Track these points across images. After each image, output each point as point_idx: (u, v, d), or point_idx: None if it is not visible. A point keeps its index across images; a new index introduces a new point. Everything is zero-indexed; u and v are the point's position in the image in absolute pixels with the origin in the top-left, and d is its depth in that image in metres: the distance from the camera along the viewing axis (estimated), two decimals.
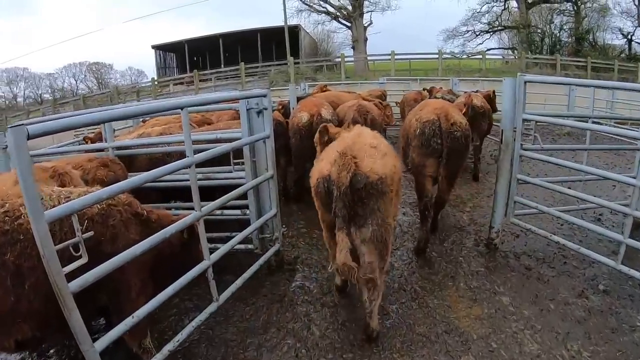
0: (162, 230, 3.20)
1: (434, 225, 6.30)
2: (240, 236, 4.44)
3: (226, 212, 5.34)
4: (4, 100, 46.54)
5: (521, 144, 5.22)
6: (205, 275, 3.77)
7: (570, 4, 36.64)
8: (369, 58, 36.19)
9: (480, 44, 40.30)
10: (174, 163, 3.48)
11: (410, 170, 5.76)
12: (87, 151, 5.83)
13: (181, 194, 5.66)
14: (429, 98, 9.12)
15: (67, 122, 2.53)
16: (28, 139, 2.20)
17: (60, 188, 3.32)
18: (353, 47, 38.94)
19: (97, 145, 6.23)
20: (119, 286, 3.17)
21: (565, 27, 37.44)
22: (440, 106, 5.56)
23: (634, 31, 35.36)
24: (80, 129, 12.18)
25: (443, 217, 6.91)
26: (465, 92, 9.69)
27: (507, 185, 5.44)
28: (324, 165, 3.72)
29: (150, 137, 5.95)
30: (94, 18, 72.86)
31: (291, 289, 5.03)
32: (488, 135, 10.48)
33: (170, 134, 5.99)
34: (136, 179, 3.21)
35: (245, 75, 32.84)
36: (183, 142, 3.63)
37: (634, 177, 4.27)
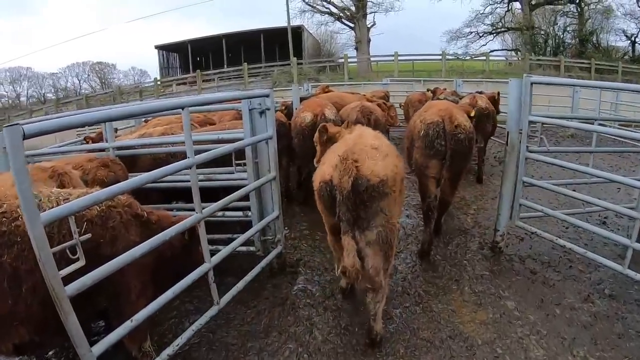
0: (162, 233, 3.15)
1: (437, 228, 6.24)
2: (241, 238, 4.39)
3: (228, 213, 5.28)
4: (7, 99, 46.56)
5: (527, 146, 5.16)
6: (206, 277, 3.71)
7: (573, 5, 36.54)
8: (372, 59, 36.19)
9: (483, 45, 40.25)
10: (174, 164, 3.44)
11: (414, 171, 5.70)
12: (88, 151, 5.79)
13: (183, 194, 5.60)
14: (433, 99, 9.05)
15: (63, 122, 2.47)
16: (24, 139, 2.15)
17: (59, 189, 3.27)
18: (356, 48, 38.89)
19: (98, 145, 6.17)
20: (118, 289, 3.12)
21: (568, 29, 37.36)
22: (445, 108, 5.51)
23: (638, 33, 35.24)
24: (82, 129, 12.21)
25: (447, 219, 6.84)
26: (470, 93, 9.60)
27: (513, 187, 5.37)
28: (325, 169, 3.69)
29: (151, 138, 5.90)
30: (97, 18, 72.79)
31: (293, 292, 4.99)
32: (492, 137, 10.40)
33: (172, 134, 5.95)
34: (136, 180, 3.16)
35: (248, 76, 32.81)
36: (184, 142, 3.58)
37: None
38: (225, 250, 4.06)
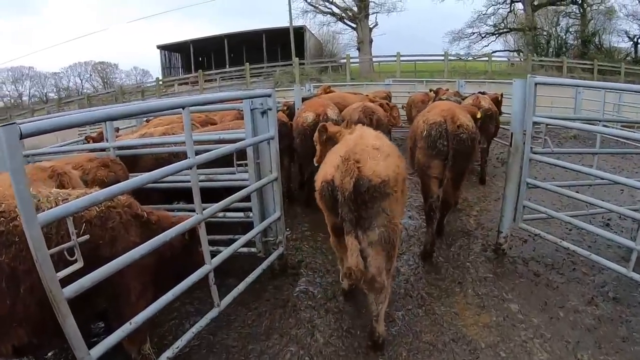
0: (162, 234, 3.11)
1: (440, 229, 6.23)
2: (243, 239, 4.37)
3: (229, 214, 5.25)
4: (9, 98, 46.60)
5: (531, 147, 5.12)
6: (206, 279, 3.68)
7: (576, 6, 36.53)
8: (374, 59, 36.15)
9: (485, 46, 40.26)
10: (174, 164, 3.39)
11: (416, 172, 5.70)
12: (90, 150, 5.76)
13: (184, 194, 5.57)
14: (435, 99, 9.01)
15: (61, 121, 2.43)
16: (21, 138, 2.12)
17: (58, 189, 3.23)
18: (358, 49, 38.92)
19: (99, 144, 6.14)
20: (118, 290, 3.09)
21: (571, 30, 37.36)
22: (447, 108, 5.49)
23: None
24: (83, 129, 12.21)
25: (450, 221, 6.81)
26: (473, 94, 9.56)
27: (516, 189, 5.33)
28: (327, 169, 3.69)
29: (152, 137, 5.86)
30: (99, 18, 72.87)
31: (295, 293, 4.95)
32: (494, 138, 10.36)
33: (173, 134, 5.92)
34: (135, 180, 3.12)
35: (250, 76, 32.81)
36: (185, 142, 3.54)
37: None
38: (226, 252, 4.02)
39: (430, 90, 10.99)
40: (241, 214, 5.26)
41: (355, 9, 38.42)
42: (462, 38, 40.67)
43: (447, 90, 10.59)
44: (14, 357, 2.89)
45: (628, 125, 12.87)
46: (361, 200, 3.41)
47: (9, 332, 2.71)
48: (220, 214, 4.86)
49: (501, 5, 39.08)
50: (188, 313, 4.62)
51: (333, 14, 39.84)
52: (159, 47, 42.77)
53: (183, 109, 3.45)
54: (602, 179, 4.87)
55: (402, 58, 30.96)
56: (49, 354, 3.97)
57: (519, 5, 38.51)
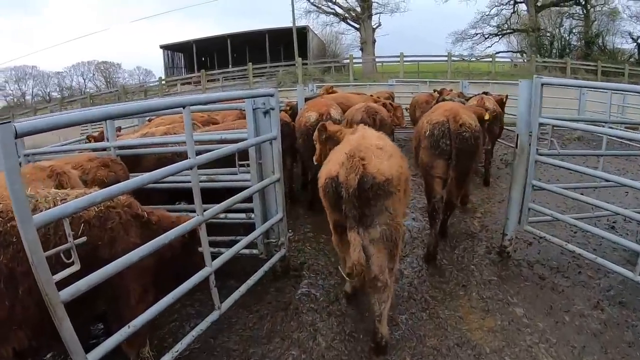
0: (162, 236, 3.06)
1: (444, 231, 6.20)
2: (244, 241, 4.32)
3: (230, 215, 5.19)
4: (12, 97, 46.74)
5: (537, 149, 5.06)
6: (207, 281, 3.63)
7: (579, 7, 36.46)
8: (377, 60, 36.13)
9: (489, 47, 40.20)
10: (175, 164, 3.35)
11: (420, 172, 5.70)
12: (92, 150, 5.72)
13: (187, 194, 5.54)
14: (438, 99, 8.97)
15: (58, 120, 2.38)
16: (16, 138, 2.07)
17: (56, 189, 3.18)
18: (361, 49, 38.89)
19: (99, 144, 6.10)
20: (117, 293, 3.05)
21: (574, 31, 37.28)
22: (450, 108, 5.49)
23: None
24: (85, 128, 12.20)
25: (454, 223, 6.77)
26: (476, 95, 9.52)
27: (522, 191, 5.28)
28: (331, 166, 3.70)
29: (153, 137, 5.82)
30: (103, 18, 73.09)
31: (297, 296, 4.89)
32: (498, 139, 10.31)
33: (175, 133, 5.87)
34: (135, 180, 3.07)
35: (253, 76, 32.83)
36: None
37: None
38: (227, 254, 3.97)
39: (434, 91, 10.95)
40: (243, 215, 5.21)
41: (358, 9, 38.41)
42: (465, 39, 40.68)
43: (451, 91, 10.56)
44: None
45: (632, 127, 12.83)
46: (365, 197, 3.43)
47: (8, 335, 2.66)
48: (222, 215, 4.80)
49: (504, 6, 39.09)
50: (188, 315, 4.57)
51: (336, 14, 39.86)
52: (162, 46, 42.89)
53: (184, 108, 3.39)
54: (608, 181, 4.82)
55: (405, 59, 30.92)
56: (48, 355, 3.91)
57: (523, 6, 38.48)
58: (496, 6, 39.11)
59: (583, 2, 35.86)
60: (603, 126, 6.23)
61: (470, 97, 9.54)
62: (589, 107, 14.60)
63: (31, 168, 4.00)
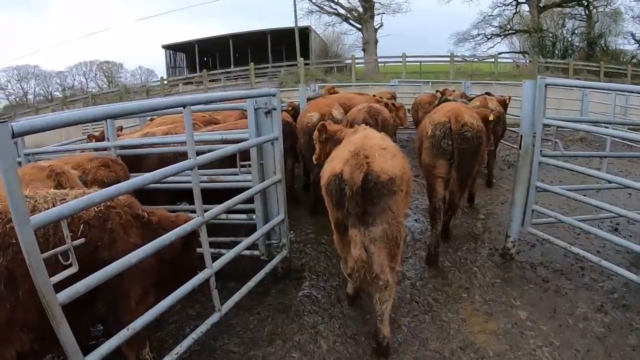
0: (161, 238, 3.03)
1: (446, 233, 6.18)
2: (245, 243, 4.29)
3: (231, 216, 5.15)
4: (14, 97, 46.83)
5: (541, 150, 5.02)
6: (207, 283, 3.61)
7: (582, 8, 36.42)
8: (379, 60, 36.09)
9: (491, 47, 40.13)
10: (175, 165, 3.33)
11: (422, 172, 5.71)
12: (94, 149, 5.69)
13: (189, 194, 5.52)
14: (441, 100, 8.93)
15: (55, 120, 2.35)
16: (13, 137, 2.03)
17: (56, 190, 3.14)
18: (363, 49, 38.82)
19: (100, 144, 6.07)
20: (117, 294, 3.02)
21: (577, 32, 37.24)
22: (452, 108, 5.49)
23: None
24: (86, 127, 12.19)
25: (456, 224, 6.74)
26: (480, 95, 9.48)
27: (525, 193, 5.24)
28: (335, 164, 3.72)
29: (153, 137, 5.79)
30: (105, 17, 73.25)
31: (298, 298, 4.85)
32: (500, 140, 10.27)
33: (176, 133, 5.84)
34: (135, 181, 3.04)
35: (255, 76, 32.77)
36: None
37: None
38: (227, 256, 3.95)
39: (437, 92, 10.91)
40: (244, 216, 5.17)
41: (360, 9, 38.36)
42: (468, 39, 40.66)
43: (454, 91, 10.53)
44: None
45: (634, 128, 12.78)
46: (368, 195, 3.47)
47: (11, 337, 2.63)
48: (223, 216, 4.77)
49: (507, 7, 39.04)
50: (189, 317, 4.54)
51: (338, 14, 39.80)
52: (164, 46, 42.92)
53: (184, 108, 3.35)
54: (611, 182, 4.78)
55: (407, 59, 30.84)
56: (47, 356, 3.88)
57: (525, 7, 38.40)
58: (498, 7, 39.17)
59: (585, 3, 35.84)
60: (607, 127, 6.20)
61: (473, 98, 9.50)
62: (591, 108, 14.55)
63: (30, 168, 3.96)
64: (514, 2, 38.43)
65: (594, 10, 35.94)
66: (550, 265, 5.40)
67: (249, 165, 4.81)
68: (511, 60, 39.29)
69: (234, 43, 39.29)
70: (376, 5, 38.40)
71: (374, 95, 10.81)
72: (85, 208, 2.54)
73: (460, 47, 40.53)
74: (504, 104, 9.26)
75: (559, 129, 5.16)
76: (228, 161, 4.69)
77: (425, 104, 11.10)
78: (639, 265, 4.12)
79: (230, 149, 4.06)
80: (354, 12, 38.91)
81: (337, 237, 4.01)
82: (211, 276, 3.60)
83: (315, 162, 5.20)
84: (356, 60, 33.66)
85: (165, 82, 36.70)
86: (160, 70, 48.86)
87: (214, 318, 3.75)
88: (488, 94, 9.60)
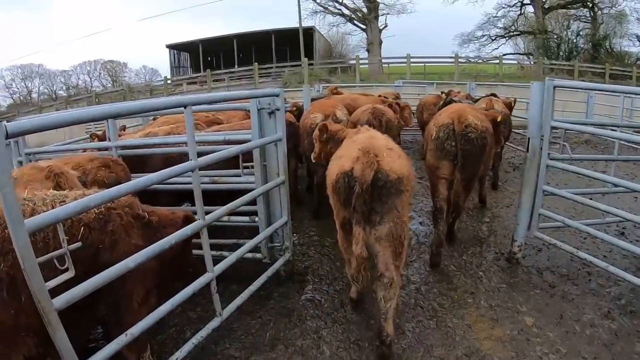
0: (161, 242, 2.98)
1: (451, 236, 6.13)
2: (247, 246, 4.25)
3: (233, 218, 5.08)
4: (18, 95, 46.97)
5: (548, 153, 4.96)
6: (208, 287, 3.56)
7: (587, 9, 36.33)
8: (383, 61, 36.03)
9: (495, 48, 40.06)
10: (176, 167, 3.27)
11: (427, 173, 5.76)
12: (97, 149, 5.64)
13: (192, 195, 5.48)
14: (446, 100, 8.87)
15: (50, 120, 2.28)
16: (7, 138, 1.97)
17: (55, 191, 3.09)
18: (368, 50, 38.79)
19: (101, 143, 6.02)
20: (119, 296, 2.99)
21: (581, 33, 37.14)
22: (456, 109, 5.48)
23: None
24: (89, 126, 12.16)
25: (461, 228, 6.68)
26: (485, 96, 9.41)
27: (532, 196, 5.18)
28: (344, 162, 3.73)
29: (154, 137, 5.74)
30: (109, 17, 73.46)
31: (300, 302, 4.79)
32: (506, 142, 10.20)
33: (178, 133, 5.78)
34: (135, 182, 3.00)
35: (259, 76, 32.76)
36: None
37: None
38: (229, 259, 3.91)
39: (442, 93, 10.85)
40: (246, 218, 5.11)
41: (365, 10, 38.32)
42: (472, 40, 40.59)
43: (459, 92, 10.46)
44: None
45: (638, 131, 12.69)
46: (377, 193, 3.51)
47: (17, 342, 2.61)
48: (225, 218, 4.72)
49: (511, 8, 38.94)
50: (190, 320, 4.48)
51: (342, 14, 39.74)
52: (168, 46, 43.03)
53: (185, 108, 3.29)
54: (617, 186, 4.73)
55: (412, 60, 30.77)
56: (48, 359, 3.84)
57: (530, 8, 38.30)
58: (503, 8, 39.05)
59: (590, 5, 35.74)
60: (614, 130, 6.12)
61: (478, 99, 9.44)
62: (596, 110, 14.46)
63: (29, 168, 3.91)
64: (519, 4, 38.35)
65: (599, 12, 35.85)
66: (556, 270, 5.33)
67: (252, 167, 4.75)
68: (516, 62, 39.18)
69: (238, 43, 39.35)
70: (380, 5, 38.41)
71: (380, 96, 10.74)
72: (82, 211, 2.47)
73: (464, 48, 40.56)
74: (509, 106, 9.19)
75: (556, 130, 5.09)
76: (231, 162, 4.63)
77: (430, 105, 11.05)
78: None
79: (232, 150, 3.99)
80: (358, 13, 38.87)
81: (343, 237, 3.98)
82: (212, 280, 3.55)
83: (314, 161, 5.25)
84: (360, 61, 33.57)
85: (169, 81, 36.72)
86: (165, 70, 49.01)
87: (214, 323, 3.71)
88: (493, 95, 9.55)
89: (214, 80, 33.61)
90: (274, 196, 4.94)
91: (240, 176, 4.86)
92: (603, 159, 8.55)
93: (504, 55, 37.27)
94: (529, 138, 5.07)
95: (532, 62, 36.39)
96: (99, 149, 5.59)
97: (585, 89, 10.03)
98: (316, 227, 6.88)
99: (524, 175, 5.23)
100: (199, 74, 37.69)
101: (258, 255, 5.03)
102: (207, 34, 48.95)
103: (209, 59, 42.68)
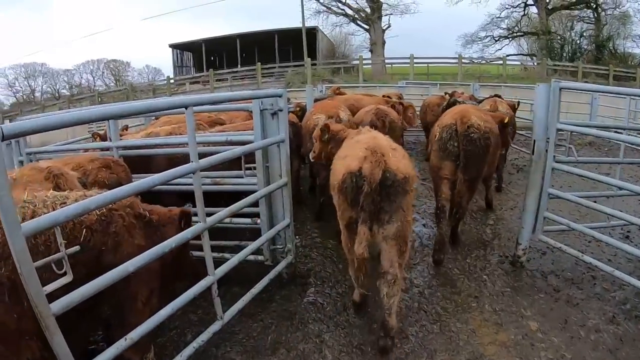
0: (160, 245, 2.94)
1: (455, 238, 6.11)
2: (249, 249, 4.20)
3: (235, 220, 5.02)
4: (21, 94, 47.03)
5: (554, 156, 4.90)
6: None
7: (590, 10, 36.25)
8: (387, 61, 36.00)
9: (499, 49, 40.01)
10: (176, 168, 3.23)
11: (430, 174, 5.79)
12: (100, 149, 5.60)
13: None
14: (449, 101, 8.84)
15: (48, 121, 2.23)
16: (2, 140, 1.93)
17: (55, 192, 3.05)
18: (371, 50, 38.74)
19: (102, 144, 5.98)
20: (122, 298, 2.97)
21: (585, 34, 37.06)
22: (460, 110, 5.51)
23: None
24: (91, 125, 12.14)
25: (465, 230, 6.64)
26: (489, 97, 9.37)
27: (537, 199, 5.12)
28: (350, 161, 3.77)
29: (156, 138, 5.70)
30: (112, 16, 73.53)
31: (303, 305, 4.75)
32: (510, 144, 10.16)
33: (180, 134, 5.74)
34: (134, 185, 2.96)
35: (262, 76, 32.77)
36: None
37: None
38: (230, 262, 3.87)
39: (445, 93, 10.81)
40: (248, 220, 5.07)
41: (368, 10, 38.28)
42: (475, 41, 40.54)
43: (462, 93, 10.43)
44: None
45: None
46: (385, 193, 3.58)
47: (21, 346, 2.59)
48: (227, 219, 4.68)
49: (515, 9, 38.89)
50: (191, 322, 4.46)
51: (346, 15, 39.72)
52: (171, 45, 43.01)
53: (186, 108, 3.25)
54: (622, 189, 4.69)
55: (415, 60, 30.72)
56: None
57: (533, 9, 38.23)
58: (507, 9, 38.99)
59: (594, 6, 35.66)
60: (620, 133, 6.08)
61: (482, 100, 9.40)
62: (600, 112, 14.41)
63: (29, 169, 3.86)
64: (522, 4, 38.31)
65: (603, 13, 35.78)
66: (561, 274, 5.28)
67: (254, 168, 4.72)
68: (519, 63, 39.11)
69: (241, 43, 39.36)
70: (384, 6, 38.35)
71: (384, 96, 10.71)
72: (82, 214, 2.43)
73: (468, 49, 40.45)
74: (513, 108, 9.15)
75: (561, 132, 5.05)
76: (233, 163, 4.58)
77: (434, 106, 11.02)
78: None
79: (234, 151, 3.95)
80: (361, 13, 38.84)
81: (347, 237, 3.97)
82: (213, 284, 3.52)
83: (312, 161, 5.33)
84: (364, 61, 33.51)
85: (171, 81, 36.73)
86: (168, 69, 48.93)
87: (215, 326, 3.67)
88: (497, 96, 9.51)
89: (216, 80, 33.60)
90: (277, 198, 4.89)
91: (242, 177, 4.82)
92: (609, 162, 8.49)
93: (508, 56, 37.19)
94: (534, 140, 5.01)
95: (535, 63, 36.32)
96: (100, 149, 5.56)
97: (591, 91, 9.95)
98: (319, 229, 6.83)
99: (530, 178, 5.19)
100: (201, 74, 37.70)
101: (260, 258, 4.98)
102: (209, 33, 48.85)
103: (212, 58, 42.67)
